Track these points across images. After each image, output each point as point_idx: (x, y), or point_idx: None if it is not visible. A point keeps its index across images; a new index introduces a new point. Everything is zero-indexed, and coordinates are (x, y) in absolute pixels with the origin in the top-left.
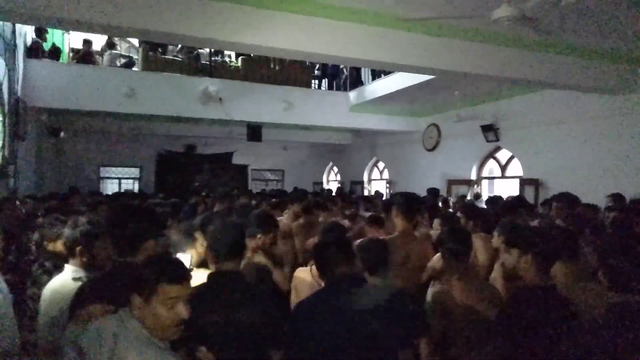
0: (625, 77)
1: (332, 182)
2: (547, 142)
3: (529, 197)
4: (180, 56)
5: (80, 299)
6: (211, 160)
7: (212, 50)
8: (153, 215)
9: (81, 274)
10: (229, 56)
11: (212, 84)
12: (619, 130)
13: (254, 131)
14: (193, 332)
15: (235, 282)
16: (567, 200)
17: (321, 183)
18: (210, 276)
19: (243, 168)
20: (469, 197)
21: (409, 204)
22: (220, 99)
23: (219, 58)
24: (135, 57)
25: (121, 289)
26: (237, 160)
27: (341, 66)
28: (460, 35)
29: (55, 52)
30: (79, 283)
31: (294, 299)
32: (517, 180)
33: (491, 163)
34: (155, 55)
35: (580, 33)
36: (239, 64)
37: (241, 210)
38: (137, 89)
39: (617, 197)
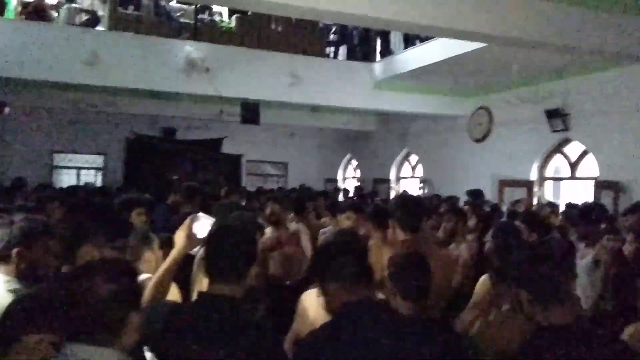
0: None
1: (349, 179)
2: (633, 134)
3: (607, 204)
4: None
5: (11, 323)
6: (195, 147)
7: (198, 5)
8: (101, 214)
9: (16, 285)
10: (220, 14)
11: (196, 50)
12: None
13: (250, 112)
14: None
15: (226, 311)
16: None
17: (335, 181)
18: (199, 296)
19: (236, 159)
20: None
21: (410, 211)
22: (207, 69)
23: (206, 16)
24: (100, 13)
25: (64, 311)
26: (228, 148)
27: (363, 29)
28: None
29: None
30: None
31: (297, 330)
32: (592, 183)
33: (557, 159)
34: (125, 11)
35: None
36: (233, 24)
37: (219, 209)
38: (102, 54)
39: None
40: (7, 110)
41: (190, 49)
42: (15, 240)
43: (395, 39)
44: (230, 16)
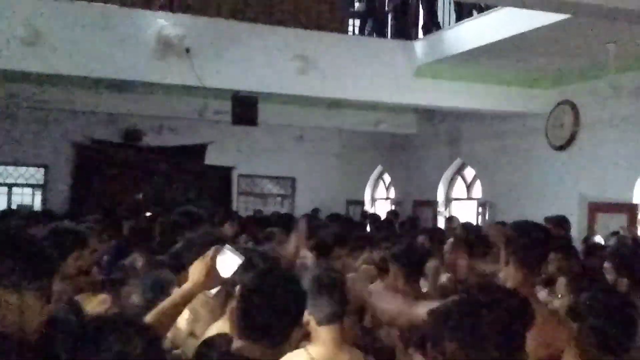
0: None
1: (380, 200)
2: None
3: None
4: None
5: None
6: (169, 157)
7: None
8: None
9: None
10: None
11: (173, 24)
12: None
13: (245, 108)
14: None
15: None
16: None
17: (362, 203)
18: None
19: (224, 173)
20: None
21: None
22: (187, 49)
23: None
24: None
25: None
26: (214, 158)
27: None
28: None
29: None
30: None
31: None
32: None
33: None
34: None
35: None
36: None
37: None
38: (43, 30)
39: None
40: None
41: (164, 22)
42: None
43: (444, 9)
44: None
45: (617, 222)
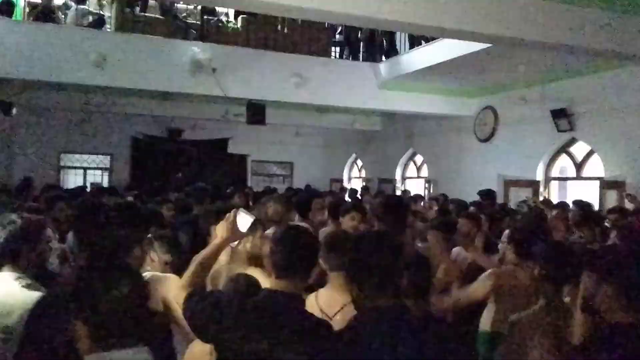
0: None
1: (355, 179)
2: (636, 134)
3: (611, 204)
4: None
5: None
6: (201, 147)
7: (204, 7)
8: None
9: (28, 280)
10: (226, 15)
11: (203, 51)
12: None
13: (256, 112)
14: None
15: (291, 308)
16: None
17: (341, 180)
18: (265, 292)
19: (241, 159)
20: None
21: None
22: (213, 69)
23: (212, 18)
24: (107, 14)
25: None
26: (233, 148)
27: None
28: None
29: (7, 7)
30: (34, 291)
31: None
32: (597, 183)
33: (563, 160)
34: (132, 13)
35: None
36: (239, 25)
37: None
38: (109, 55)
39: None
40: (14, 111)
41: (196, 50)
42: (18, 238)
43: (401, 39)
44: (236, 17)
45: (524, 193)
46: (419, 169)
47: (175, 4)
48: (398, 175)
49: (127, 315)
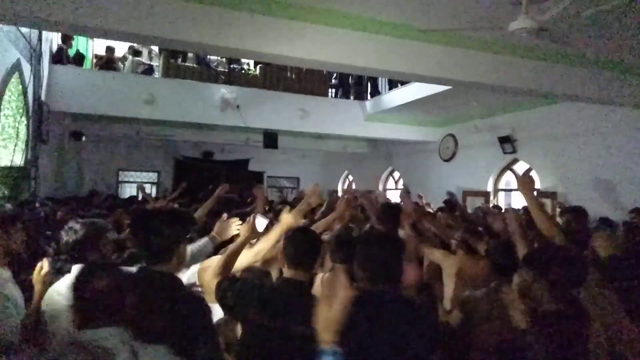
0: None
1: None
2: (565, 155)
3: (547, 210)
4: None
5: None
6: (228, 166)
7: (230, 58)
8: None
9: None
10: (248, 64)
11: (229, 92)
12: (639, 144)
13: (270, 138)
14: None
15: (300, 293)
16: (574, 213)
17: (336, 191)
18: (281, 280)
19: (259, 175)
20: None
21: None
22: (237, 106)
23: (237, 66)
24: (155, 64)
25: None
26: (253, 167)
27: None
28: (476, 47)
29: (79, 58)
30: None
31: None
32: (535, 193)
33: (508, 175)
34: (175, 62)
35: (596, 45)
36: (257, 72)
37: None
38: (157, 95)
39: (638, 212)
40: (83, 138)
41: (224, 91)
42: (82, 242)
43: (382, 82)
44: (255, 66)
45: (478, 201)
46: (396, 182)
47: (208, 56)
48: (380, 187)
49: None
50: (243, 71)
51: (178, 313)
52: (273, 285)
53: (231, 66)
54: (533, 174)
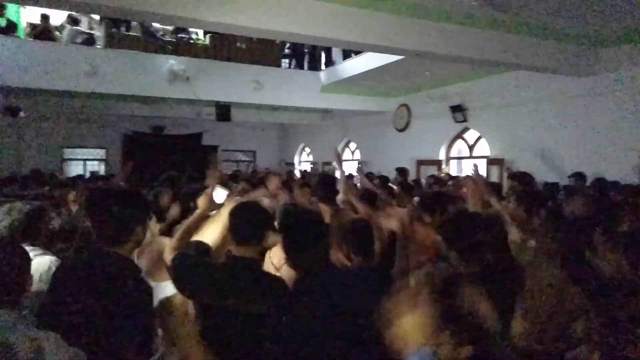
0: (588, 59)
1: (304, 162)
2: (513, 123)
3: (495, 176)
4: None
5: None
6: (180, 141)
7: (176, 27)
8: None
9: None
10: (196, 33)
11: (178, 63)
12: (581, 112)
13: (223, 111)
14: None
15: (248, 269)
16: (521, 178)
17: (293, 164)
18: (227, 257)
19: (213, 149)
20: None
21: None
22: (187, 77)
23: (185, 36)
24: (96, 33)
25: None
26: (207, 141)
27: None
28: (428, 16)
29: (10, 27)
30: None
31: None
32: (485, 160)
33: (459, 143)
34: (118, 32)
35: (545, 15)
36: (207, 41)
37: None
38: (99, 67)
39: (578, 177)
40: (22, 113)
41: (172, 62)
42: (24, 222)
43: (336, 53)
44: (204, 35)
45: (431, 170)
46: (353, 153)
47: (152, 24)
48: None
49: None
50: (192, 41)
51: (111, 299)
52: (220, 263)
53: (178, 36)
54: (482, 141)
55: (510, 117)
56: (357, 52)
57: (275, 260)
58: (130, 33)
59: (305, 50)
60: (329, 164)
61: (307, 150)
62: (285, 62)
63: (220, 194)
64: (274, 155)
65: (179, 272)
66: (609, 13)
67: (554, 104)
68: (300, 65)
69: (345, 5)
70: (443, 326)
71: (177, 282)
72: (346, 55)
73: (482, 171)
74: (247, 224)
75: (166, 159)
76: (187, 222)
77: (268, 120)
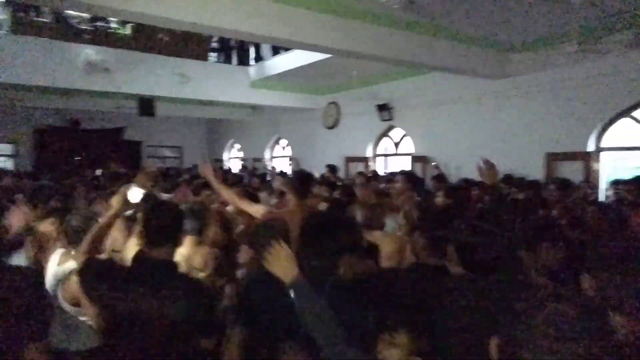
0: (499, 63)
1: (233, 159)
2: (434, 122)
3: (419, 171)
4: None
5: None
6: (99, 136)
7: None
8: None
9: None
10: (116, 23)
11: (95, 53)
12: (494, 112)
13: (146, 105)
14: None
15: (162, 272)
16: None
17: (222, 160)
18: (136, 259)
19: (136, 145)
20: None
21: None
22: (106, 69)
23: (103, 24)
24: (1, 17)
25: None
26: (130, 136)
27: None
28: (353, 16)
29: None
30: None
31: None
32: (409, 157)
33: (386, 141)
34: (26, 17)
35: (462, 21)
36: (128, 32)
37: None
38: (6, 55)
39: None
40: None
41: (89, 52)
42: None
43: (265, 48)
44: (124, 24)
45: (360, 167)
46: (284, 149)
47: (65, 11)
48: (267, 155)
49: None
50: (111, 30)
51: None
52: (132, 267)
53: (96, 24)
54: (407, 139)
55: (432, 116)
56: (287, 49)
57: (196, 263)
58: (41, 19)
59: (234, 45)
60: (259, 160)
61: (237, 146)
62: (213, 55)
63: (136, 193)
64: (202, 151)
65: (85, 281)
66: (518, 22)
67: (469, 104)
68: (228, 60)
69: (273, 2)
70: None
71: (85, 292)
72: (275, 51)
73: (408, 167)
74: (160, 225)
75: (84, 155)
76: (98, 224)
77: (195, 116)
